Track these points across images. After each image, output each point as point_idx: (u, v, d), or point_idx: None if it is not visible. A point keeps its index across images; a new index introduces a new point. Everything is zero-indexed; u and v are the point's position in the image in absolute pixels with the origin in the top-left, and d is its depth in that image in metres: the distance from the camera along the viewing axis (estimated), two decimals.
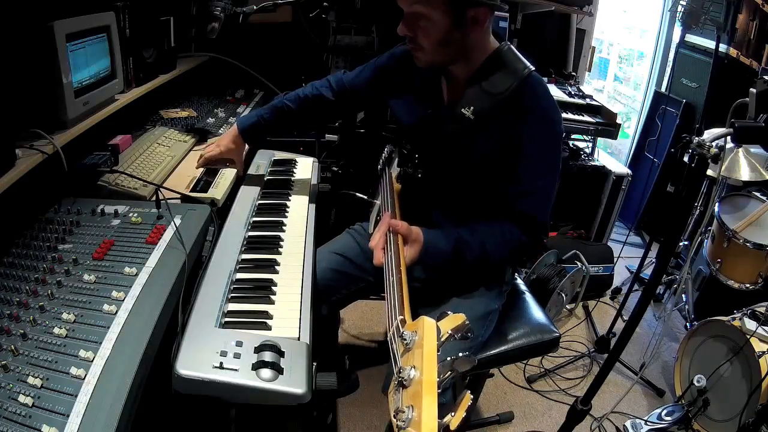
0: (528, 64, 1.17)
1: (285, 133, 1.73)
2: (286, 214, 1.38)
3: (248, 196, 1.44)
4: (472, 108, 1.17)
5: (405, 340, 0.72)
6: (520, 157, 1.16)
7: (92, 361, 0.82)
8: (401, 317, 0.80)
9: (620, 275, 2.85)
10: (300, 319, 1.01)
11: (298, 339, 0.96)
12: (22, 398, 0.76)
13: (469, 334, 0.73)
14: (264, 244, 1.24)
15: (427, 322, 0.70)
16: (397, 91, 1.38)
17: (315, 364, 0.90)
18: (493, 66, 1.17)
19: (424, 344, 0.67)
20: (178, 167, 1.60)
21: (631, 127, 3.68)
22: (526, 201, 1.19)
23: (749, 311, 1.80)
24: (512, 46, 1.20)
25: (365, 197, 1.46)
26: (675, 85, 3.06)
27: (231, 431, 1.15)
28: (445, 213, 1.32)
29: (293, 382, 0.84)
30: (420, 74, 1.26)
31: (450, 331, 0.71)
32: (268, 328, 0.97)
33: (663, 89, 3.25)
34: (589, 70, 3.27)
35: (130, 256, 1.09)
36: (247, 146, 1.57)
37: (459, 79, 1.23)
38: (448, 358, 0.66)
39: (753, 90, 1.97)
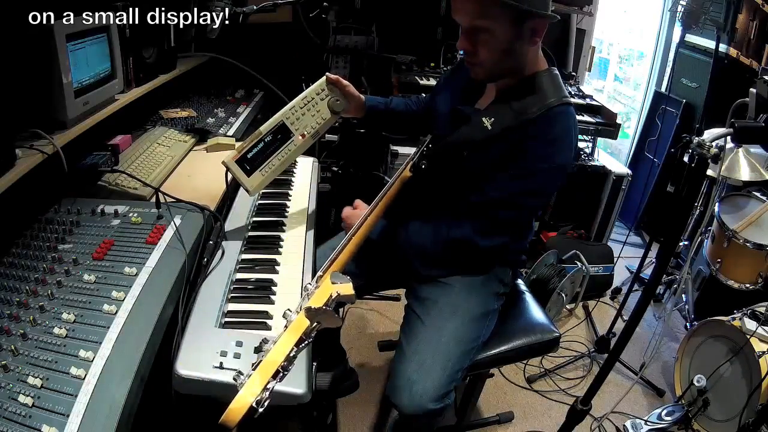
0: (563, 94, 1.16)
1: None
2: (286, 214, 1.38)
3: (248, 195, 1.44)
4: (492, 120, 1.17)
5: (307, 290, 0.86)
6: (510, 167, 1.15)
7: (92, 361, 0.82)
8: (320, 273, 0.95)
9: (620, 275, 2.84)
10: None
11: None
12: (22, 398, 0.76)
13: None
14: (264, 244, 1.24)
15: (326, 283, 0.84)
16: (447, 85, 1.40)
17: (315, 364, 0.90)
18: (528, 87, 1.16)
19: (311, 300, 0.80)
20: (178, 167, 1.60)
21: (631, 127, 3.68)
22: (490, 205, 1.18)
23: (749, 311, 1.80)
24: (556, 71, 1.19)
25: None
26: (675, 85, 3.06)
27: (231, 431, 1.15)
28: (436, 207, 1.31)
29: (293, 382, 0.84)
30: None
31: (335, 294, 0.82)
32: (268, 328, 0.97)
33: (663, 89, 3.25)
34: (589, 70, 3.27)
35: (130, 256, 1.09)
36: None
37: (497, 90, 1.23)
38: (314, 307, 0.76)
39: (753, 90, 1.98)
